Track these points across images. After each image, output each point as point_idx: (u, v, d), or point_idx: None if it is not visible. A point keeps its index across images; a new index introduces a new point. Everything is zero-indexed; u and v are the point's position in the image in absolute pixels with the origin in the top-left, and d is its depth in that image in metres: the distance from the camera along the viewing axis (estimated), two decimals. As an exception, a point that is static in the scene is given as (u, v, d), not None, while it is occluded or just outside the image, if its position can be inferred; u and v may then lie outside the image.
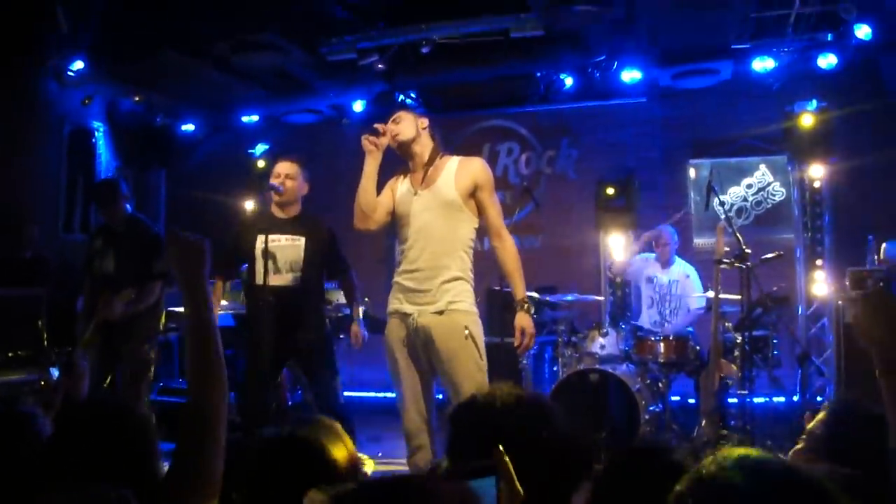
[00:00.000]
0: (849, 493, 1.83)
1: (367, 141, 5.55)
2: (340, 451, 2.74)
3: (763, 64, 10.58)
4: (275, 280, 6.72)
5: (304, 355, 7.01)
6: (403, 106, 6.03)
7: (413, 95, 12.39)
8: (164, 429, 8.19)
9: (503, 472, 2.08)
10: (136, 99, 11.99)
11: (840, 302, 9.12)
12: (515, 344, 5.54)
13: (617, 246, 11.49)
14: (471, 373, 5.26)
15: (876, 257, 9.27)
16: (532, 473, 2.24)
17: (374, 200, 5.62)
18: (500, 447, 2.12)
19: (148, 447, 2.89)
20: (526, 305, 5.51)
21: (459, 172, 5.57)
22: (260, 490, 2.63)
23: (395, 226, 5.74)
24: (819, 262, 10.90)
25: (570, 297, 9.44)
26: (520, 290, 5.54)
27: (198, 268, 2.91)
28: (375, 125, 5.64)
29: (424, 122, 5.75)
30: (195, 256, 2.92)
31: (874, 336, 2.52)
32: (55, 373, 7.50)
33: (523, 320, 5.46)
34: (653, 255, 9.95)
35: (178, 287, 2.91)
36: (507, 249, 5.59)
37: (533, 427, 2.54)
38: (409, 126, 5.67)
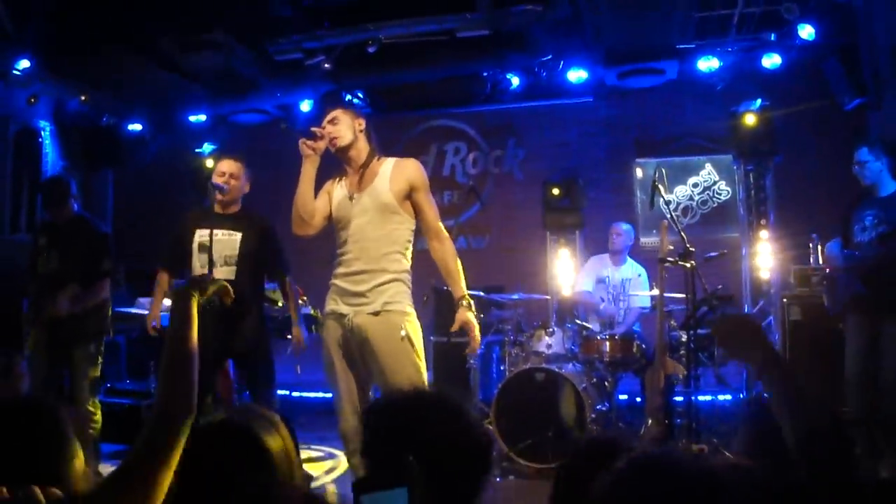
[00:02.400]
0: (750, 484, 2.01)
1: (304, 145, 5.46)
2: (276, 441, 2.71)
3: (708, 64, 10.53)
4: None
5: (240, 359, 7.05)
6: (340, 104, 5.88)
7: (360, 95, 12.28)
8: (111, 430, 8.18)
9: (415, 482, 2.07)
10: (83, 98, 11.77)
11: (784, 300, 9.10)
12: (467, 350, 5.59)
13: (564, 272, 11.51)
14: (408, 374, 5.13)
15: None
16: (439, 470, 2.38)
17: (312, 206, 5.53)
18: (411, 457, 2.13)
19: (53, 445, 2.73)
20: (465, 302, 5.42)
21: (394, 175, 5.48)
22: (192, 475, 2.59)
23: (332, 229, 5.63)
24: (764, 260, 10.89)
25: (516, 297, 9.38)
26: (459, 287, 5.46)
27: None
28: (313, 129, 5.53)
29: (361, 122, 5.64)
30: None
31: (735, 354, 2.85)
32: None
33: (463, 315, 5.39)
34: (604, 254, 9.92)
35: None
36: (447, 250, 5.51)
37: (440, 424, 2.59)
38: (346, 129, 5.56)
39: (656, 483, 1.81)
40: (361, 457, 2.66)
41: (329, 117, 5.60)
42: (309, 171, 5.48)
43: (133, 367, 10.88)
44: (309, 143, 5.44)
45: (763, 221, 11.04)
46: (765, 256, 10.91)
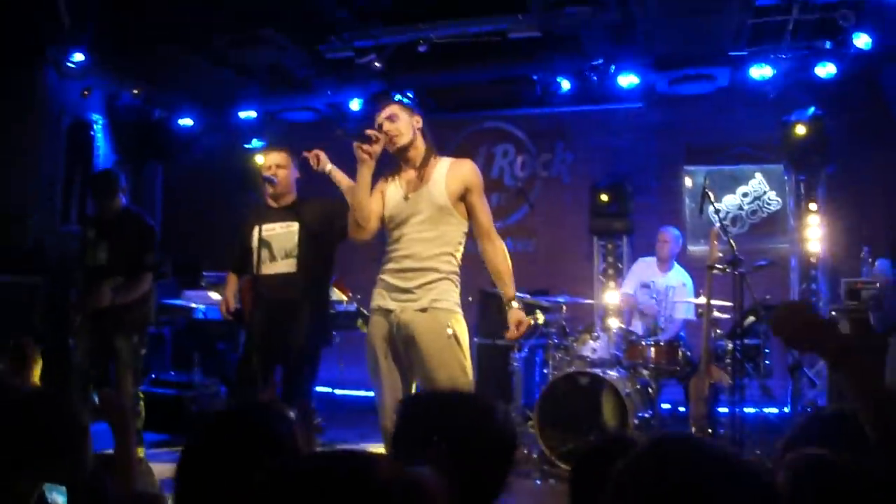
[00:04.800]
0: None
1: (359, 150, 5.32)
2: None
3: (760, 71, 10.42)
4: (269, 268, 6.77)
5: (291, 355, 6.84)
6: (397, 100, 5.78)
7: (410, 95, 12.22)
8: (154, 420, 8.26)
9: (441, 469, 2.07)
10: (135, 92, 11.89)
11: (833, 313, 9.01)
12: (509, 336, 5.48)
13: (609, 277, 11.50)
14: (453, 373, 5.08)
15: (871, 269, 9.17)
16: (465, 462, 2.47)
17: (368, 211, 5.46)
18: (440, 444, 2.15)
19: (68, 437, 2.76)
20: (515, 303, 5.41)
21: (450, 175, 5.42)
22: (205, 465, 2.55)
23: (384, 226, 5.58)
24: (813, 272, 10.78)
25: (561, 300, 9.31)
26: (510, 289, 5.43)
27: None
28: (368, 131, 5.37)
29: (419, 119, 5.56)
30: None
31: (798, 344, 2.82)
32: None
33: (517, 314, 5.38)
34: (651, 257, 9.87)
35: None
36: (498, 252, 5.46)
37: (468, 418, 2.66)
38: (405, 126, 5.47)
39: (677, 463, 1.80)
40: (391, 446, 2.71)
41: (386, 113, 5.49)
42: (365, 175, 5.38)
43: (177, 358, 10.95)
44: (364, 147, 5.31)
45: (813, 233, 10.91)
46: (814, 268, 10.77)
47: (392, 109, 5.51)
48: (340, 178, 6.33)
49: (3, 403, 2.80)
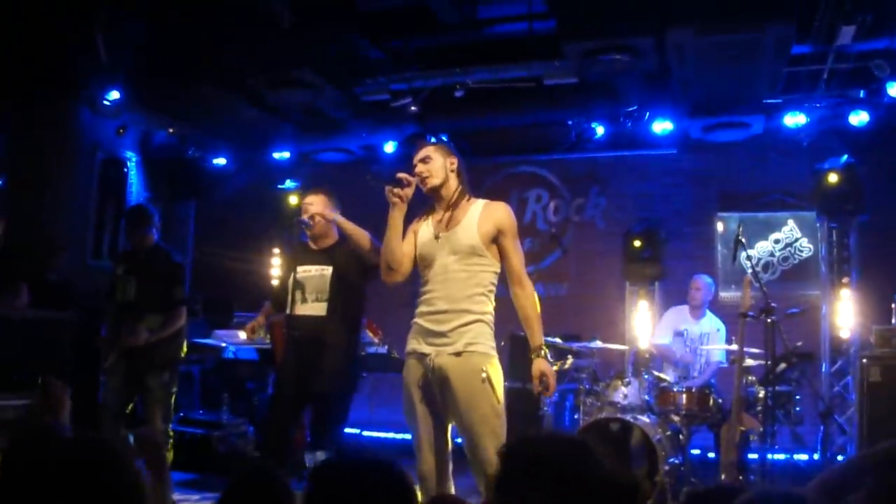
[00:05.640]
0: None
1: (391, 193, 5.36)
2: None
3: (794, 119, 10.49)
4: (301, 309, 6.88)
5: (316, 398, 6.91)
6: (433, 142, 5.82)
7: (444, 139, 12.34)
8: (182, 459, 8.31)
9: None
10: (170, 131, 12.00)
11: (864, 360, 9.01)
12: (535, 391, 5.41)
13: (641, 323, 11.50)
14: (487, 417, 5.13)
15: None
16: None
17: (400, 254, 5.50)
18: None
19: (120, 488, 2.58)
20: (543, 352, 5.37)
21: (483, 217, 5.43)
22: None
23: (417, 268, 5.60)
24: (845, 319, 10.76)
25: (593, 345, 9.37)
26: (537, 337, 5.39)
27: None
28: (399, 175, 5.40)
29: (454, 161, 5.59)
30: None
31: None
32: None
33: (541, 365, 5.32)
34: (683, 306, 9.90)
35: None
36: (528, 297, 5.44)
37: (580, 464, 2.56)
38: (438, 168, 5.51)
39: None
40: (494, 492, 2.64)
41: (421, 155, 5.56)
42: (396, 219, 5.42)
43: (206, 397, 11.00)
44: (396, 190, 5.36)
45: (845, 280, 10.88)
46: (845, 315, 10.76)
47: (426, 151, 5.58)
48: (343, 223, 6.51)
49: (52, 453, 2.59)
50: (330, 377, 6.76)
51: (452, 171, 5.58)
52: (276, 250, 12.74)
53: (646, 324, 11.44)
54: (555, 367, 8.96)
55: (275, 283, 7.28)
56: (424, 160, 5.54)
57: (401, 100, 10.42)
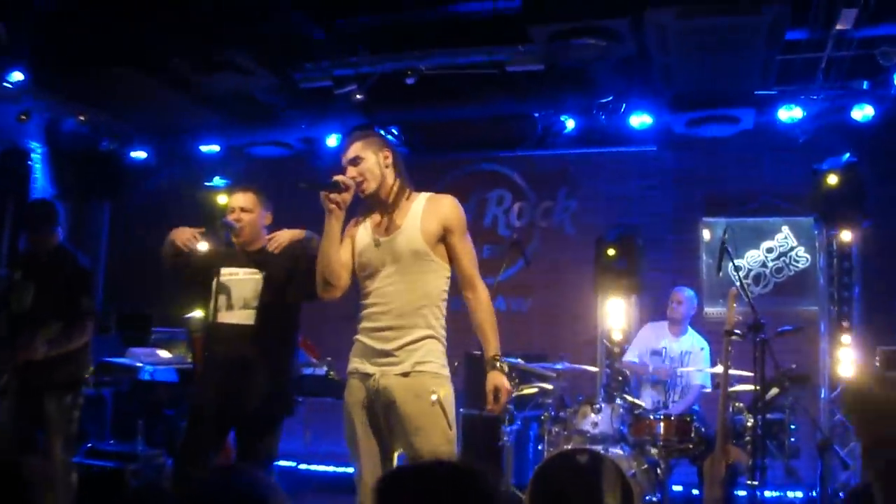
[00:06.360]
0: None
1: (327, 199, 5.27)
2: None
3: (790, 113, 10.55)
4: (225, 317, 6.66)
5: (244, 423, 6.68)
6: (358, 135, 5.59)
7: (394, 132, 12.33)
8: (90, 497, 8.19)
9: None
10: (81, 118, 11.89)
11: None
12: (488, 408, 5.36)
13: (615, 343, 11.52)
14: (436, 444, 5.07)
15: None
16: None
17: (338, 267, 5.42)
18: None
19: None
20: (498, 364, 5.33)
21: (426, 214, 5.38)
22: None
23: (356, 277, 5.53)
24: (846, 337, 10.80)
25: (560, 367, 9.35)
26: (492, 346, 5.35)
27: None
28: (336, 178, 5.29)
29: (387, 155, 5.50)
30: None
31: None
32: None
33: (496, 378, 5.28)
34: (662, 322, 9.92)
35: None
36: (481, 301, 5.41)
37: (462, 496, 2.58)
38: (372, 168, 5.41)
39: None
40: None
41: (350, 156, 5.45)
42: (334, 227, 5.33)
43: (119, 425, 10.85)
44: (333, 196, 5.27)
45: (846, 294, 10.96)
46: (846, 334, 10.81)
47: (355, 150, 5.46)
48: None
49: None
50: (259, 400, 6.52)
51: (387, 166, 5.49)
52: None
53: (619, 343, 11.46)
54: (516, 392, 9.07)
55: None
56: (354, 162, 5.44)
57: (345, 87, 10.32)
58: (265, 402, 6.56)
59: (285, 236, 6.74)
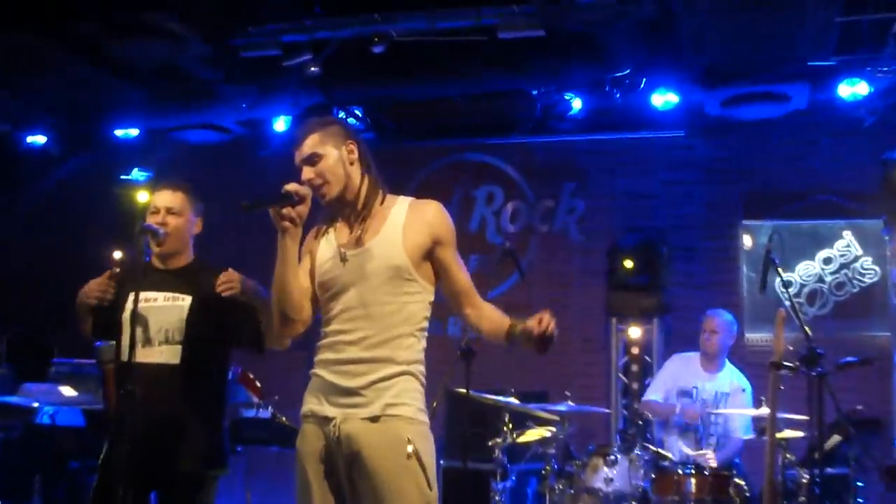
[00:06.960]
0: None
1: (278, 217, 4.98)
2: None
3: (852, 89, 10.53)
4: (144, 356, 6.35)
5: (169, 485, 6.51)
6: (314, 125, 5.28)
7: (358, 113, 12.29)
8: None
9: None
10: (-37, 95, 11.88)
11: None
12: (536, 332, 5.12)
13: (634, 376, 11.49)
14: None
15: None
16: None
17: (300, 296, 5.24)
18: None
19: None
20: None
21: (410, 224, 5.20)
22: None
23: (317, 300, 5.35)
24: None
25: (564, 408, 9.28)
26: (506, 318, 5.29)
27: None
28: (287, 188, 4.95)
29: (352, 147, 5.26)
30: None
31: None
32: None
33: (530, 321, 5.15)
34: (693, 353, 9.86)
35: None
36: (484, 310, 5.34)
37: None
38: (333, 166, 5.19)
39: None
40: None
41: (305, 153, 5.21)
42: (290, 249, 5.11)
43: (9, 480, 10.79)
44: (286, 211, 4.99)
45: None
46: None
47: (310, 145, 5.22)
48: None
49: None
50: (186, 457, 6.39)
51: (352, 162, 5.28)
52: (117, 270, 12.62)
53: (639, 377, 11.42)
54: (510, 440, 9.04)
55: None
56: (311, 160, 5.20)
57: (297, 57, 10.25)
58: (194, 459, 6.42)
59: (246, 284, 6.42)
